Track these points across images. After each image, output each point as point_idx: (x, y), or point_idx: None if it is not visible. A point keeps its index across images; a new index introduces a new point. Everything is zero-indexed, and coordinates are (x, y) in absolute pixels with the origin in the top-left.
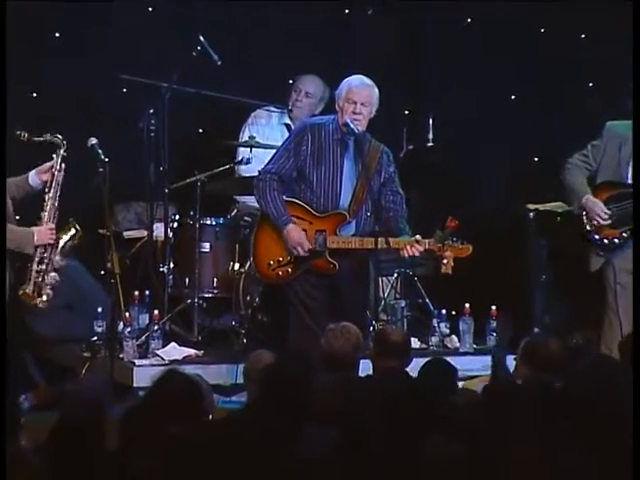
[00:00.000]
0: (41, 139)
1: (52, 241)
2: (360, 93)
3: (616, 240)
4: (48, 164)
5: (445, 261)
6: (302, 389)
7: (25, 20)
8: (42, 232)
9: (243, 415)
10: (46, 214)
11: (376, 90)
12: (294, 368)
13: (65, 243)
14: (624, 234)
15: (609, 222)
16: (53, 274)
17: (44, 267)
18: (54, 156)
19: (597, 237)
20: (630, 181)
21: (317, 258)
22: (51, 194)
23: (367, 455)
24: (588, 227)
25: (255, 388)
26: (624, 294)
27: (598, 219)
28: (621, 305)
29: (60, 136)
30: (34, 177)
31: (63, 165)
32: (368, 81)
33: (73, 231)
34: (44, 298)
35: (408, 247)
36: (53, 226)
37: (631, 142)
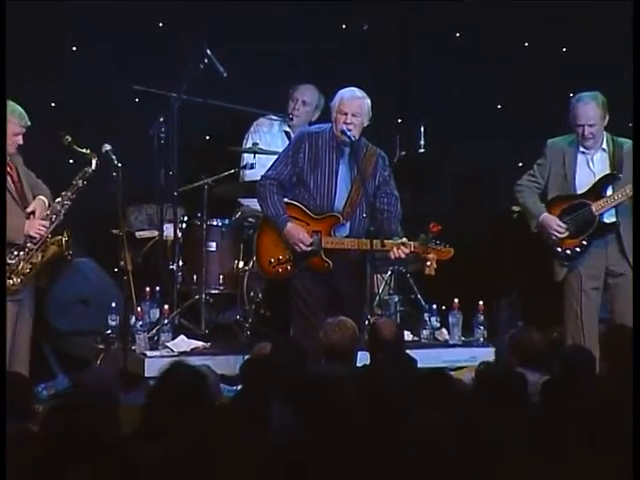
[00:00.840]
0: (82, 150)
1: (38, 236)
2: (351, 105)
3: (577, 249)
4: None
5: (428, 263)
6: (294, 376)
7: (44, 34)
8: (32, 224)
9: (237, 400)
10: (49, 212)
11: (367, 101)
12: (287, 357)
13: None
14: (583, 242)
15: (566, 234)
16: (28, 266)
17: (22, 255)
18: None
19: (559, 250)
20: (578, 191)
21: (313, 257)
22: (64, 200)
23: (361, 440)
24: (550, 242)
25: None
26: (587, 300)
27: (556, 234)
28: (584, 310)
29: (95, 155)
30: None
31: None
32: (359, 93)
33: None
34: (11, 282)
35: (395, 249)
36: (46, 223)
37: (572, 154)
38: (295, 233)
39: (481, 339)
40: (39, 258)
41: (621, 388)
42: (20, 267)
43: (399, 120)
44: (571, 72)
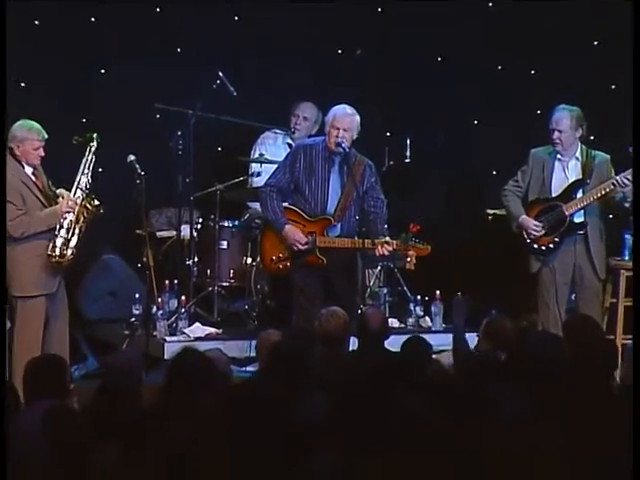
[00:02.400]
0: (85, 136)
1: (71, 210)
2: (343, 120)
3: (551, 245)
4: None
5: (408, 259)
6: (301, 360)
7: (78, 58)
8: (64, 203)
9: (254, 381)
10: (73, 190)
11: (357, 117)
12: (295, 343)
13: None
14: (556, 239)
15: (541, 233)
16: (75, 238)
17: (66, 232)
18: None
19: (535, 246)
20: (553, 194)
21: (309, 255)
22: (82, 176)
23: (355, 414)
24: (527, 240)
25: (264, 359)
26: (558, 290)
27: (533, 233)
28: (556, 299)
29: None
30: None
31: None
32: (350, 110)
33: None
34: (66, 257)
35: (379, 247)
36: (74, 198)
37: (551, 161)
38: (292, 234)
39: None
40: (80, 228)
41: (584, 370)
42: (69, 239)
43: (388, 134)
44: (537, 92)
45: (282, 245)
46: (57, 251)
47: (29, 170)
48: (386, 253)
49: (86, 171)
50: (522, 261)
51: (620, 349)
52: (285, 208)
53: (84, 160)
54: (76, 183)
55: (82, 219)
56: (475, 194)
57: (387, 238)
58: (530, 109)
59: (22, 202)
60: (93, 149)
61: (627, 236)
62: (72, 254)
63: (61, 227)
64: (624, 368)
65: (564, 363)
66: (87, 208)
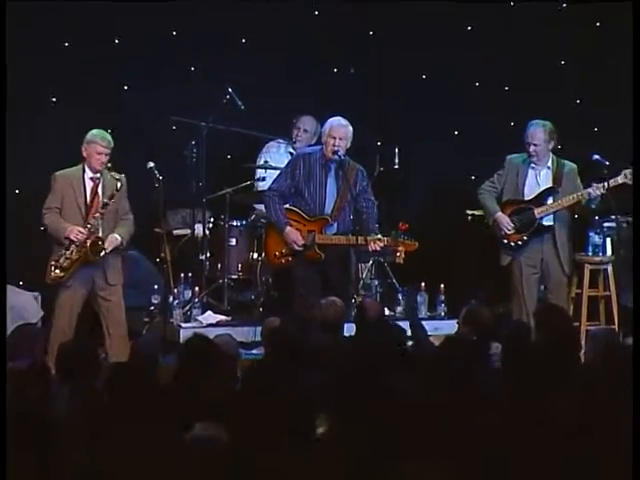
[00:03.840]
0: (113, 175)
1: (76, 240)
2: (338, 131)
3: (520, 242)
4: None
5: (398, 254)
6: (299, 343)
7: (103, 76)
8: (73, 230)
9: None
10: (91, 220)
11: (350, 128)
12: (295, 329)
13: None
14: (525, 237)
15: (513, 230)
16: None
17: (63, 253)
18: (118, 184)
19: (506, 242)
20: (526, 197)
21: (309, 250)
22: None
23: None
24: (500, 235)
25: (268, 343)
26: (527, 282)
27: (505, 229)
28: (525, 290)
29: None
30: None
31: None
32: (344, 122)
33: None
34: (52, 276)
35: (372, 243)
36: (84, 231)
37: (525, 168)
38: (291, 235)
39: (442, 313)
40: (75, 256)
41: (552, 352)
42: (61, 261)
43: (378, 143)
44: (510, 105)
45: (284, 242)
46: (54, 267)
47: (89, 175)
48: (378, 249)
49: (102, 211)
50: (495, 255)
51: (584, 334)
52: (287, 209)
53: (105, 202)
54: (90, 217)
55: (80, 253)
56: (456, 197)
57: (379, 235)
58: (504, 121)
59: (60, 200)
60: (114, 195)
61: (591, 234)
62: (61, 276)
63: (66, 248)
64: (588, 351)
65: (534, 345)
66: (89, 248)
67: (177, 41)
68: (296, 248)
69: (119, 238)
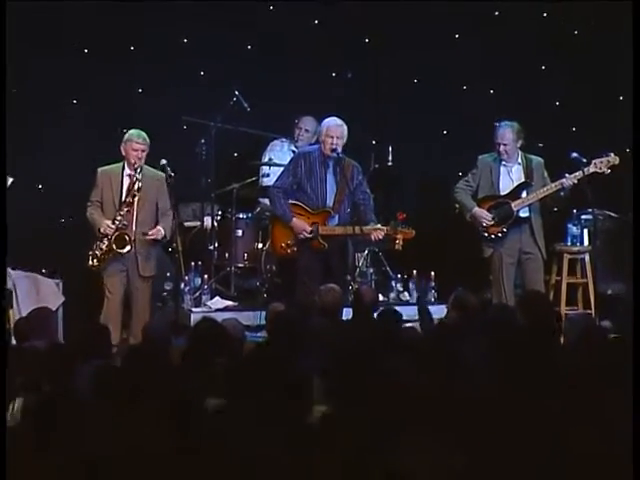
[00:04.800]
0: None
1: (107, 232)
2: (335, 130)
3: (499, 234)
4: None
5: (397, 241)
6: (300, 326)
7: (120, 82)
8: (104, 224)
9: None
10: (118, 216)
11: (345, 127)
12: (296, 313)
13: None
14: (504, 229)
15: (492, 223)
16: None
17: (97, 244)
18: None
19: (486, 234)
20: (502, 193)
21: (313, 241)
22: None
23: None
24: (479, 229)
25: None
26: (506, 271)
27: (483, 222)
28: (505, 279)
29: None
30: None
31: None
32: (339, 121)
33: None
34: (88, 264)
35: (374, 233)
36: (112, 225)
37: (497, 166)
38: (299, 226)
39: (433, 299)
40: (106, 249)
41: (535, 332)
42: (96, 252)
43: (374, 142)
44: (495, 107)
45: (289, 234)
46: (91, 256)
47: (127, 172)
48: (380, 237)
49: (128, 209)
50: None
51: (563, 318)
52: (292, 204)
53: (128, 201)
54: (118, 212)
55: (108, 245)
56: (444, 191)
57: (378, 225)
58: (488, 121)
59: (100, 194)
60: (136, 195)
61: (569, 225)
62: (96, 265)
63: (100, 240)
64: (566, 333)
65: (518, 328)
66: (113, 242)
67: (187, 48)
68: (303, 237)
69: (162, 231)
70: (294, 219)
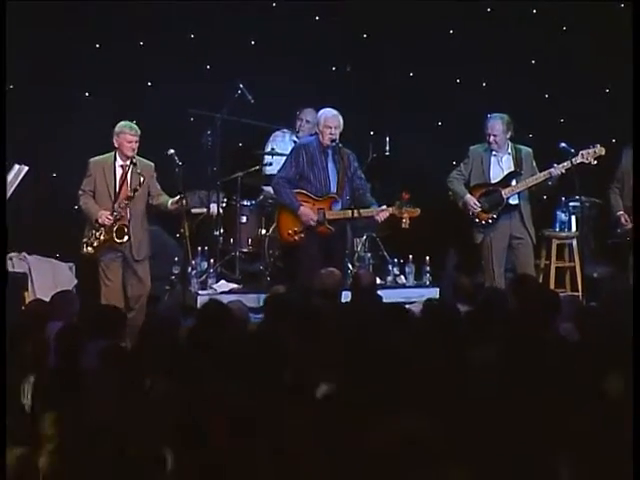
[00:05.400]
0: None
1: (106, 223)
2: (333, 121)
3: (490, 220)
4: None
5: (404, 220)
6: (300, 307)
7: (132, 76)
8: (102, 215)
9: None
10: (118, 208)
11: (341, 117)
12: (295, 296)
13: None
14: (493, 216)
15: (481, 209)
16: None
17: (93, 233)
18: (141, 178)
19: (477, 220)
20: (492, 181)
21: (320, 226)
22: (123, 204)
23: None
24: (470, 215)
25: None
26: (496, 256)
27: (473, 208)
28: (495, 264)
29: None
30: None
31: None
32: (335, 112)
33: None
34: (83, 251)
35: (380, 214)
36: (111, 217)
37: (487, 156)
38: (307, 213)
39: (427, 282)
40: (103, 238)
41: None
42: (91, 240)
43: (372, 133)
44: (486, 100)
45: (296, 221)
46: (85, 244)
47: (119, 163)
48: (386, 216)
49: (128, 203)
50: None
51: None
52: (297, 192)
53: (130, 195)
54: (117, 204)
55: (107, 235)
56: (438, 180)
57: (384, 206)
58: (480, 114)
59: (93, 184)
60: (137, 190)
61: (558, 213)
62: (91, 253)
63: (96, 229)
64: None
65: (510, 310)
66: (115, 233)
67: (194, 43)
68: (311, 224)
69: (172, 200)
70: (302, 207)
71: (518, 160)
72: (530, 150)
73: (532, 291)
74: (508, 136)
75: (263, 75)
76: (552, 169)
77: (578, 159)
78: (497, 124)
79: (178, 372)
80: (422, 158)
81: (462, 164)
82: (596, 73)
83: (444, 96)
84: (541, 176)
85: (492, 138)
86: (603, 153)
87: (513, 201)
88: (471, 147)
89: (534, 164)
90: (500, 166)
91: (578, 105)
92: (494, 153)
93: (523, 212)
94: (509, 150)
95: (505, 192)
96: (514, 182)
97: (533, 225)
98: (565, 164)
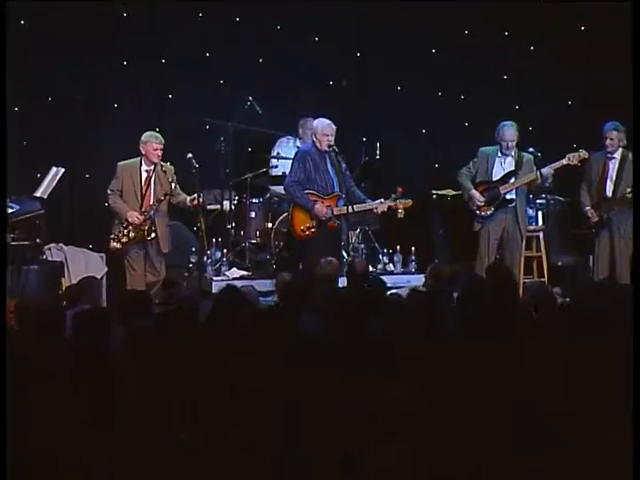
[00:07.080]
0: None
1: (135, 222)
2: (329, 129)
3: (488, 212)
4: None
5: (400, 211)
6: (304, 292)
7: (153, 89)
8: (132, 214)
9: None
10: (150, 210)
11: (334, 126)
12: (300, 281)
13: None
14: (492, 209)
15: (483, 203)
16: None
17: (121, 230)
18: (172, 183)
19: (478, 212)
20: (494, 179)
21: (329, 221)
22: (154, 206)
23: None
24: (473, 207)
25: (280, 292)
26: (490, 245)
27: (477, 202)
28: (490, 252)
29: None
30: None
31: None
32: (329, 121)
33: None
34: (110, 246)
35: (380, 207)
36: (140, 217)
37: (493, 157)
38: (320, 209)
39: (413, 270)
40: (132, 235)
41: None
42: (120, 237)
43: (364, 139)
44: (465, 110)
45: (308, 218)
46: (113, 240)
47: (145, 167)
48: (384, 209)
49: (158, 205)
50: (456, 224)
51: (522, 285)
52: (308, 193)
53: (160, 199)
54: (146, 205)
55: (136, 233)
56: (423, 180)
57: (381, 200)
58: (460, 122)
59: (120, 185)
60: (168, 196)
61: (527, 208)
62: (118, 248)
63: (125, 227)
64: (524, 297)
65: (485, 294)
66: (146, 232)
67: (210, 61)
68: (324, 219)
69: (190, 197)
70: (316, 205)
71: (519, 162)
72: (532, 157)
73: (503, 279)
74: (516, 141)
75: (269, 89)
76: (543, 169)
77: (564, 161)
78: (511, 131)
79: (198, 349)
80: (408, 161)
81: (471, 162)
82: (560, 88)
83: (427, 107)
84: (532, 175)
85: (509, 144)
86: (587, 156)
87: (509, 196)
88: (481, 148)
89: (534, 168)
90: (502, 167)
91: (543, 115)
92: (499, 155)
93: (518, 210)
94: (513, 153)
95: (503, 188)
96: (512, 180)
97: (526, 220)
98: (554, 165)
